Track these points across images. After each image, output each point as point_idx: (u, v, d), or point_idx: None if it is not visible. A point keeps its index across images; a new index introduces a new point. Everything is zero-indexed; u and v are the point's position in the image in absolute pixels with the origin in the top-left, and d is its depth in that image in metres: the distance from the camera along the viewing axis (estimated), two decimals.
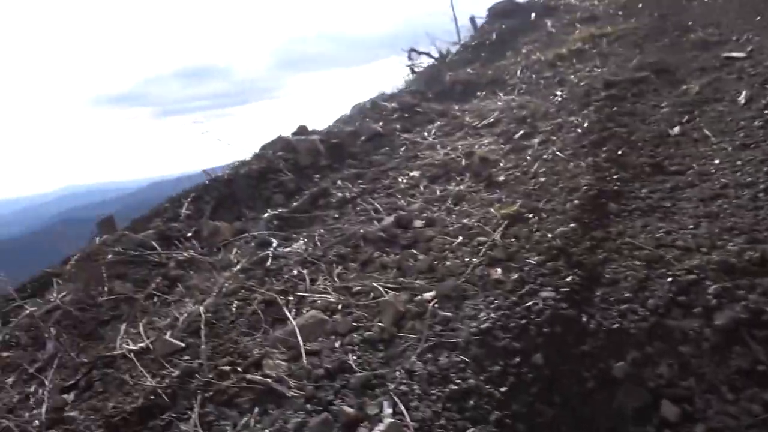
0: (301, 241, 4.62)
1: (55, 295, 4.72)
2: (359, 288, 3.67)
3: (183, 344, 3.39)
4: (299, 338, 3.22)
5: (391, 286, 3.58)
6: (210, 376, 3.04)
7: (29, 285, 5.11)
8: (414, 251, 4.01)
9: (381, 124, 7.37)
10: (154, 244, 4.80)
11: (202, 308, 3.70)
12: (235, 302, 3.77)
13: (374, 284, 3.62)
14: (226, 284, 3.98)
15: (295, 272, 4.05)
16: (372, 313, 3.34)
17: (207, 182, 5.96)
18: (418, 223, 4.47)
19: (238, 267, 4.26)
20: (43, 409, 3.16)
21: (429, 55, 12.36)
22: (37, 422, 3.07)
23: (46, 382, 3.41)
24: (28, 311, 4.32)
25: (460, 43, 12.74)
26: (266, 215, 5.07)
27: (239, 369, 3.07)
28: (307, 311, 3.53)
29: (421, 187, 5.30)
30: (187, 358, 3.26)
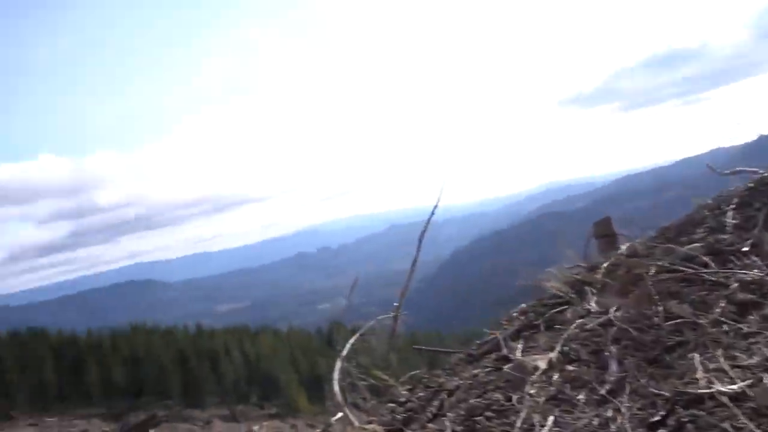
0: None
1: (593, 305, 4.69)
2: None
3: None
4: None
5: None
6: None
7: (564, 291, 5.23)
8: None
9: None
10: (706, 259, 4.22)
11: None
12: None
13: None
14: None
15: None
16: None
17: (751, 185, 5.03)
18: None
19: None
20: None
21: None
22: None
23: (623, 410, 3.25)
24: (577, 321, 4.35)
25: None
26: None
27: None
28: None
29: None
30: None
